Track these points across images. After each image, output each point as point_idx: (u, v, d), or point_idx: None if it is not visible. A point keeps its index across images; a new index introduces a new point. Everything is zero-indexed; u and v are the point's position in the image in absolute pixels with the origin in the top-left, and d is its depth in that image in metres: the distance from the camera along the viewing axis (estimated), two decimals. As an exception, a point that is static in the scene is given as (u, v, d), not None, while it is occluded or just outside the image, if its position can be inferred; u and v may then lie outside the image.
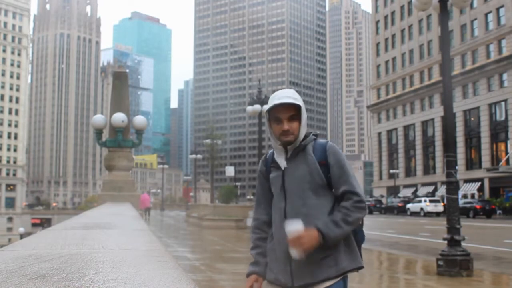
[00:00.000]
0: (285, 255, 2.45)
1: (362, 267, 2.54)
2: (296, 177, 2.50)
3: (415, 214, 43.07)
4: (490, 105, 53.13)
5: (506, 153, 50.76)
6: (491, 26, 54.47)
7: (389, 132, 71.96)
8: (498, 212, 42.22)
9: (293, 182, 2.50)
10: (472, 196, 51.79)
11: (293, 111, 2.49)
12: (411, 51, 68.17)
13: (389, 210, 50.08)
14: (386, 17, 74.23)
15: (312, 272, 2.44)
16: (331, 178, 2.49)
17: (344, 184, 2.47)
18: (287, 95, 2.50)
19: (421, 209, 42.83)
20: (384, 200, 60.22)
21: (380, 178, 74.42)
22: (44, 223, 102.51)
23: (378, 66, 75.42)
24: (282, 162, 2.55)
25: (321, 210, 2.46)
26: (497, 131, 52.51)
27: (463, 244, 9.23)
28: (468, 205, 39.46)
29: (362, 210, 2.45)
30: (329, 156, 2.50)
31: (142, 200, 28.46)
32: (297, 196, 2.47)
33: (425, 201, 43.76)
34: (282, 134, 2.50)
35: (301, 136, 2.52)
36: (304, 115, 2.52)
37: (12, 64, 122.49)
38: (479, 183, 53.32)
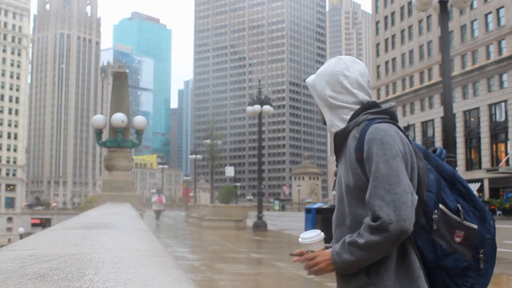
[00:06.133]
0: None
1: None
2: (338, 177, 1.89)
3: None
4: (490, 106, 53.11)
5: (506, 153, 50.72)
6: (491, 26, 54.48)
7: (389, 132, 71.86)
8: (498, 213, 42.18)
9: (338, 183, 1.90)
10: (472, 196, 51.67)
11: None
12: (411, 52, 68.15)
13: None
14: (386, 17, 74.21)
15: None
16: None
17: (368, 190, 1.70)
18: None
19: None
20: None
21: (380, 178, 74.29)
22: (44, 223, 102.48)
23: (378, 67, 75.39)
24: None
25: None
26: (497, 132, 52.47)
27: (463, 244, 9.20)
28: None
29: (378, 231, 1.63)
30: (365, 145, 1.74)
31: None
32: (339, 203, 1.86)
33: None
34: None
35: (331, 120, 1.92)
36: (320, 91, 1.96)
37: (12, 64, 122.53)
38: (479, 184, 53.26)
